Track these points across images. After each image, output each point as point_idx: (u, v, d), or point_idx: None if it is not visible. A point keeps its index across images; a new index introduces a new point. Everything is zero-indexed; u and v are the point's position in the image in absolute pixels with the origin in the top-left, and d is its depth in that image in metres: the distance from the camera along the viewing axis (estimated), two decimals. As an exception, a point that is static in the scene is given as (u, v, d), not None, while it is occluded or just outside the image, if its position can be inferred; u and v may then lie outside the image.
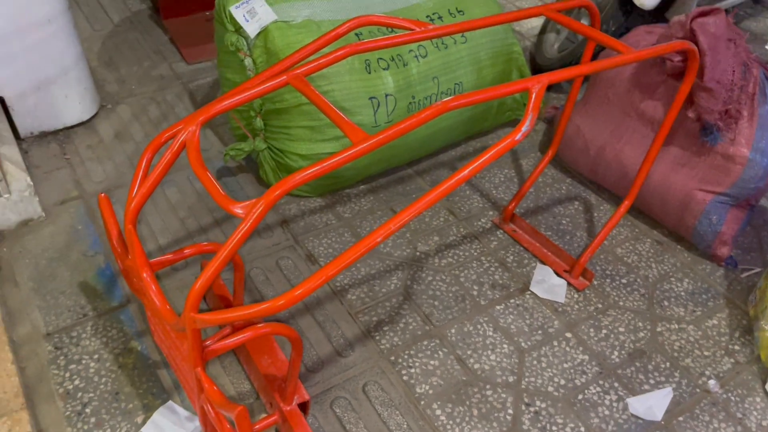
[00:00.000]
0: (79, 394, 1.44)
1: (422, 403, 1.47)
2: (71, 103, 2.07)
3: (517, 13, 1.50)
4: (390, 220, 1.03)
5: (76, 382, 1.46)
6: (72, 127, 2.13)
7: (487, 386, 1.51)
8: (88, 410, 1.41)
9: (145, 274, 1.20)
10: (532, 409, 1.47)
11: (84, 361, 1.50)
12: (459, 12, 2.02)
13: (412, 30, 1.35)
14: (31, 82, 1.94)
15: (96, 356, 1.52)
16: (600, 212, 1.99)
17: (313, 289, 0.99)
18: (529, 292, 1.74)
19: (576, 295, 1.74)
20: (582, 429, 1.44)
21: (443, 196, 1.06)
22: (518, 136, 1.08)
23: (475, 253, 1.84)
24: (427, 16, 1.97)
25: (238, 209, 1.04)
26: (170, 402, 1.43)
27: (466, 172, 1.07)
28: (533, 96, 1.14)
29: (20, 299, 1.63)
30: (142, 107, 2.27)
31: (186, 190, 1.95)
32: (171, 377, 1.48)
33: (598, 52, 2.13)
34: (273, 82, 1.20)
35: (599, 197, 2.04)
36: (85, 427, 1.38)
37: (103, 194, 1.33)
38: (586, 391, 1.52)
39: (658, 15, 2.35)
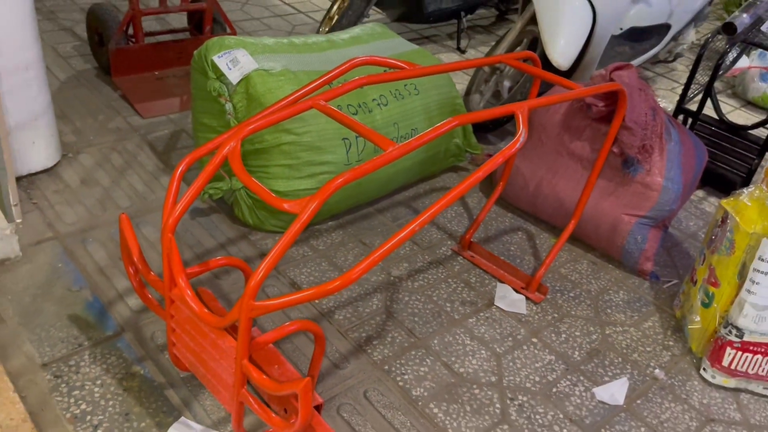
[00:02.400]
0: (88, 417, 1.44)
1: (420, 403, 1.60)
2: (37, 149, 2.09)
3: (478, 60, 1.77)
4: (418, 216, 1.20)
5: (83, 406, 1.46)
6: (36, 173, 2.13)
7: (474, 386, 1.67)
8: (100, 431, 1.42)
9: (181, 280, 1.28)
10: (516, 402, 1.65)
11: (87, 387, 1.51)
12: (415, 90, 2.26)
13: (404, 68, 1.57)
14: (5, 127, 1.96)
15: (99, 382, 1.52)
16: (541, 239, 2.26)
17: (365, 271, 1.14)
18: (494, 307, 1.94)
19: (535, 307, 1.96)
20: (561, 415, 1.63)
21: (449, 205, 1.25)
22: (516, 147, 1.31)
23: (442, 276, 2.03)
24: (381, 95, 2.17)
25: (288, 207, 1.18)
26: (183, 418, 1.47)
27: (464, 185, 1.27)
28: (520, 117, 1.38)
29: (9, 334, 1.61)
30: (104, 156, 2.31)
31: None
32: (179, 395, 1.52)
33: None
34: (300, 106, 1.36)
35: (538, 227, 2.32)
36: (100, 447, 1.39)
37: (123, 214, 1.40)
38: (558, 384, 1.72)
39: (566, 76, 2.75)
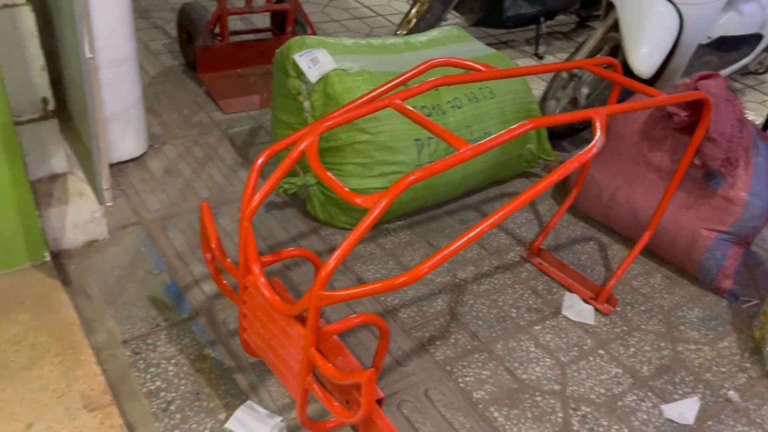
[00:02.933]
0: (162, 394, 1.52)
1: (480, 406, 1.60)
2: (127, 139, 2.21)
3: (556, 65, 1.76)
4: (489, 216, 1.21)
5: (158, 383, 1.54)
6: (125, 162, 2.26)
7: (536, 393, 1.66)
8: (172, 407, 1.49)
9: (255, 268, 1.33)
10: (579, 413, 1.62)
11: (162, 365, 1.59)
12: (490, 94, 2.26)
13: (482, 71, 1.58)
14: (102, 116, 2.08)
15: (173, 361, 1.60)
16: (612, 251, 2.21)
17: (433, 268, 1.15)
18: (561, 316, 1.91)
19: (603, 319, 1.92)
20: (626, 430, 1.59)
21: (521, 207, 1.25)
22: (592, 152, 1.29)
23: (509, 282, 2.01)
24: (455, 97, 2.19)
25: (361, 201, 1.21)
26: (249, 401, 1.52)
27: (538, 188, 1.26)
28: (597, 122, 1.36)
29: (94, 310, 1.71)
30: (187, 148, 2.42)
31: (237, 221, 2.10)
32: (247, 380, 1.58)
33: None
34: (376, 105, 1.39)
35: (610, 238, 2.27)
36: (172, 422, 1.46)
37: (204, 202, 1.47)
38: (624, 398, 1.68)
39: (648, 85, 2.67)
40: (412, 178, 1.21)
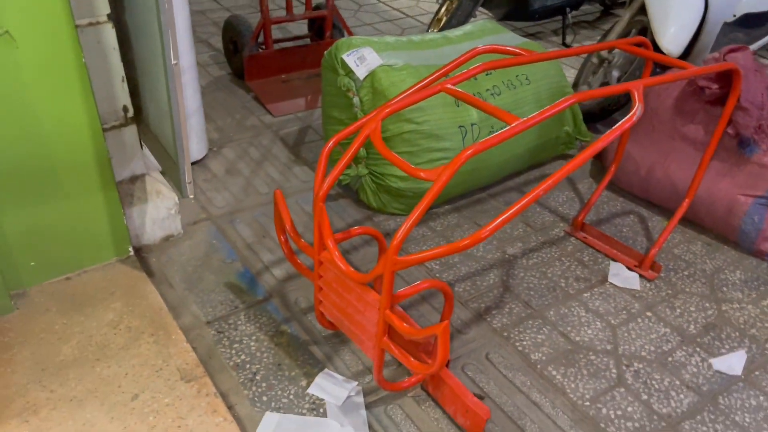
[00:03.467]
0: (248, 366, 1.67)
1: (539, 366, 1.72)
2: (191, 143, 2.39)
3: (590, 46, 1.87)
4: (544, 181, 1.33)
5: (243, 357, 1.70)
6: (191, 164, 2.43)
7: (590, 353, 1.77)
8: (258, 377, 1.64)
9: (330, 243, 1.48)
10: (632, 369, 1.73)
11: (245, 341, 1.74)
12: (526, 80, 2.39)
13: (523, 55, 1.71)
14: (184, 112, 2.25)
15: (254, 337, 1.76)
16: (653, 222, 2.31)
17: (494, 231, 1.28)
18: (608, 283, 2.02)
19: (648, 284, 2.02)
20: (677, 382, 1.70)
21: (572, 171, 1.37)
22: (633, 120, 1.41)
23: (556, 255, 2.13)
24: (494, 85, 2.32)
25: (425, 175, 1.34)
26: (327, 369, 1.67)
27: (585, 155, 1.38)
28: (635, 93, 1.48)
29: (177, 297, 1.88)
30: (244, 150, 2.59)
31: (298, 211, 2.25)
32: (322, 351, 1.72)
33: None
34: (430, 90, 1.53)
35: (650, 211, 2.37)
36: (259, 390, 1.61)
37: (278, 190, 1.62)
38: (673, 354, 1.78)
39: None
40: (470, 152, 1.34)
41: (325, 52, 2.26)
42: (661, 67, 2.60)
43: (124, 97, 1.84)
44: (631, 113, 1.43)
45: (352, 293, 1.48)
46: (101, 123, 1.72)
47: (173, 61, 1.62)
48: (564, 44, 3.82)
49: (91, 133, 1.69)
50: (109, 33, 1.73)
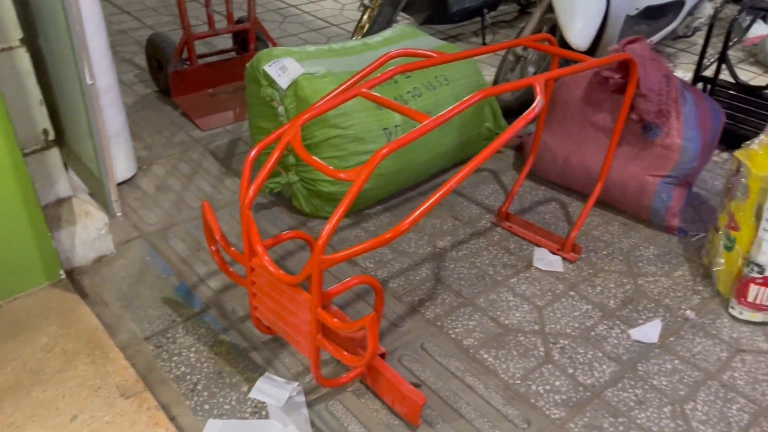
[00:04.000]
0: (188, 377, 1.70)
1: (471, 351, 1.81)
2: (119, 162, 2.38)
3: (499, 45, 1.98)
4: (456, 175, 1.42)
5: (182, 368, 1.72)
6: (119, 184, 2.43)
7: (519, 334, 1.87)
8: (199, 387, 1.67)
9: (259, 248, 1.52)
10: (558, 345, 1.84)
11: (184, 354, 1.76)
12: (445, 81, 2.49)
13: (433, 56, 1.79)
14: (105, 132, 2.24)
15: (193, 349, 1.78)
16: (573, 207, 2.44)
17: (413, 223, 1.35)
18: (533, 268, 2.13)
19: (571, 266, 2.14)
20: (600, 354, 1.81)
21: (473, 170, 1.46)
22: (535, 112, 1.51)
23: (483, 245, 2.23)
24: (415, 87, 2.41)
25: (344, 176, 1.41)
26: (267, 373, 1.71)
27: (492, 147, 1.48)
28: (537, 87, 1.59)
29: (113, 315, 1.88)
30: (174, 166, 2.60)
31: (231, 222, 2.28)
32: (262, 356, 1.76)
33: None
34: (345, 96, 1.60)
35: (570, 197, 2.50)
36: (201, 399, 1.64)
37: (205, 201, 1.65)
38: (595, 329, 1.90)
39: (589, 55, 2.92)
40: (385, 151, 1.41)
41: (247, 65, 2.30)
42: (571, 62, 2.75)
43: (43, 121, 1.83)
44: (533, 106, 1.53)
45: (284, 296, 1.53)
46: (21, 148, 1.72)
47: (89, 82, 1.63)
48: (484, 44, 3.96)
49: (11, 159, 1.68)
50: (23, 57, 1.72)
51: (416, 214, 1.36)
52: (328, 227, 1.35)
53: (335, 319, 1.42)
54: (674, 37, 3.79)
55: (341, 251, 1.36)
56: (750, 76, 3.55)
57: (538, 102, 1.54)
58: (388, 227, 2.30)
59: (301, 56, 2.28)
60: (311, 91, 2.18)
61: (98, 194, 1.99)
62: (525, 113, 1.51)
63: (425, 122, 1.46)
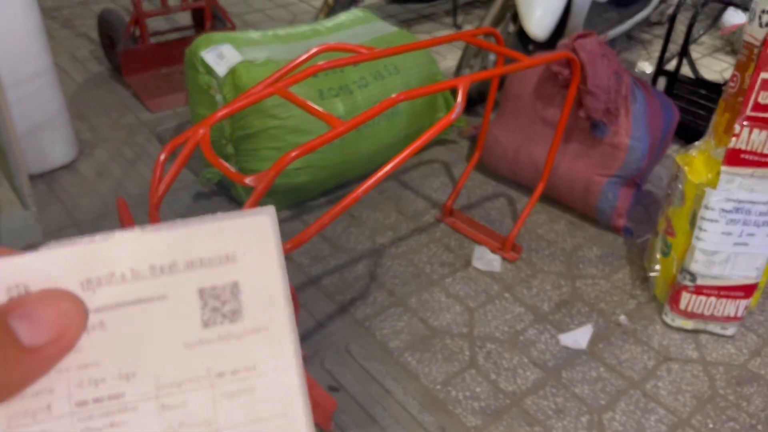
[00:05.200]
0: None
1: (395, 354, 1.78)
2: (56, 148, 2.33)
3: (439, 39, 1.91)
4: (379, 170, 1.37)
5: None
6: (57, 169, 2.38)
7: (447, 337, 1.84)
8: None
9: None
10: (484, 350, 1.81)
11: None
12: (395, 70, 2.42)
13: (361, 53, 1.73)
14: (23, 129, 2.20)
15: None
16: (521, 203, 2.40)
17: (329, 221, 1.31)
18: (471, 267, 2.10)
19: (509, 266, 2.11)
20: (525, 360, 1.79)
21: (397, 167, 1.42)
22: (453, 116, 1.46)
23: (424, 242, 2.19)
24: (361, 77, 2.34)
25: (249, 181, 1.36)
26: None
27: (410, 149, 1.44)
28: (461, 90, 1.53)
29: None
30: (117, 150, 2.54)
31: (168, 213, 2.24)
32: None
33: (502, 78, 2.59)
34: (262, 93, 1.54)
35: (519, 192, 2.46)
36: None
37: (120, 197, 1.61)
38: (525, 333, 1.87)
39: (551, 46, 2.85)
40: (293, 154, 1.37)
41: (186, 50, 2.23)
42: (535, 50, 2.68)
43: (-40, 109, 1.77)
44: (452, 110, 1.48)
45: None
46: (-67, 137, 1.66)
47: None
48: (456, 25, 3.88)
49: None
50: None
51: (332, 213, 1.33)
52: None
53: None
54: (649, 24, 3.71)
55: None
56: (724, 66, 3.48)
57: (457, 106, 1.49)
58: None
59: (242, 42, 2.21)
60: (249, 79, 2.12)
61: (13, 188, 1.94)
62: (441, 120, 1.45)
63: (337, 127, 1.41)
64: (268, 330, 0.27)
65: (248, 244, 0.27)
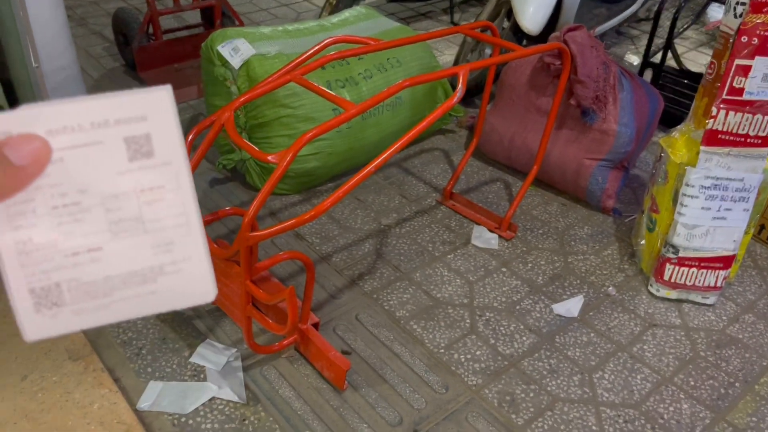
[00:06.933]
0: (134, 342, 1.82)
1: (402, 322, 1.93)
2: (79, 137, 2.47)
3: (440, 31, 2.07)
4: (381, 154, 1.52)
5: (129, 334, 1.84)
6: (79, 157, 2.52)
7: (449, 307, 2.00)
8: (144, 351, 1.79)
9: (196, 225, 1.63)
10: (483, 318, 1.96)
11: (131, 320, 1.88)
12: (397, 63, 2.57)
13: (369, 45, 1.88)
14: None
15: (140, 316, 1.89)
16: (516, 187, 2.56)
17: (333, 203, 1.46)
18: (470, 245, 2.25)
19: (506, 244, 2.27)
20: (521, 326, 1.94)
21: (403, 147, 1.56)
22: (455, 99, 1.61)
23: (426, 222, 2.34)
24: (366, 69, 2.49)
25: (272, 158, 1.51)
26: (208, 340, 1.83)
27: (415, 130, 1.58)
28: (461, 76, 1.68)
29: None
30: (135, 140, 2.68)
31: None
32: (205, 324, 1.88)
33: (498, 69, 2.74)
34: (279, 81, 1.69)
35: (514, 177, 2.61)
36: (144, 362, 1.76)
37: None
38: (521, 303, 2.03)
39: (544, 40, 3.01)
40: (309, 135, 1.51)
41: (202, 45, 2.38)
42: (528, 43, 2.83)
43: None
44: (453, 94, 1.63)
45: (218, 269, 1.64)
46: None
47: (34, 65, 1.72)
48: (452, 23, 4.03)
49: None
50: (-24, 37, 1.80)
51: (335, 195, 1.47)
52: (254, 206, 1.46)
53: (262, 291, 1.53)
54: (637, 20, 3.87)
55: (265, 229, 1.47)
56: (708, 59, 3.63)
57: (458, 91, 1.64)
58: (338, 204, 2.39)
59: (254, 37, 2.36)
60: (262, 71, 2.26)
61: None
62: (443, 104, 1.60)
63: (350, 109, 1.56)
64: (171, 164, 0.43)
65: (155, 109, 0.42)
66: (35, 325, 0.41)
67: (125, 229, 0.41)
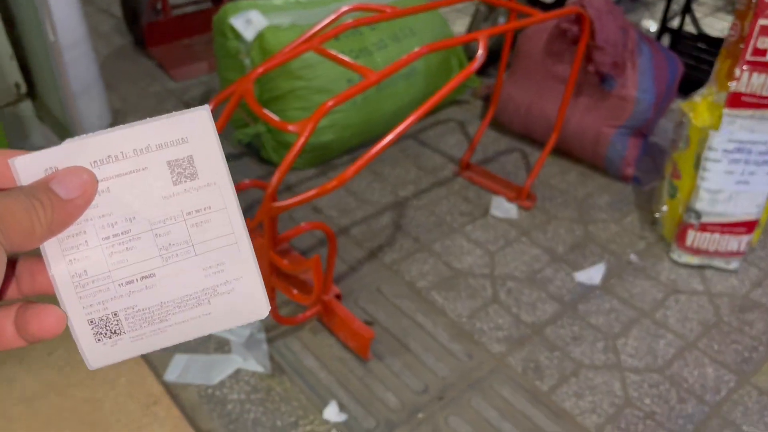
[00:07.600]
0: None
1: (423, 293, 1.93)
2: (91, 114, 2.46)
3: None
4: (400, 124, 1.50)
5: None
6: (94, 135, 2.51)
7: (470, 277, 1.99)
8: (167, 325, 1.79)
9: (217, 197, 1.62)
10: (505, 287, 1.96)
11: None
12: (411, 32, 2.54)
13: (386, 12, 1.85)
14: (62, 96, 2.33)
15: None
16: (533, 157, 2.53)
17: (355, 172, 1.45)
18: (489, 215, 2.24)
19: (525, 214, 2.25)
20: (544, 295, 1.94)
21: (420, 117, 1.54)
22: (475, 66, 1.59)
23: (444, 194, 2.33)
24: (380, 39, 2.46)
25: (292, 128, 1.49)
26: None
27: (436, 97, 1.56)
28: (482, 41, 1.65)
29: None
30: (148, 117, 2.67)
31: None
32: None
33: (515, 37, 2.70)
34: (298, 50, 1.67)
35: (532, 147, 2.59)
36: (168, 336, 1.77)
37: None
38: (542, 272, 2.02)
39: (559, 6, 2.96)
40: (330, 103, 1.50)
41: (214, 18, 2.35)
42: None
43: (15, 74, 1.90)
44: (475, 59, 1.60)
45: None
46: (-7, 101, 1.80)
47: (51, 39, 1.70)
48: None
49: (-17, 112, 1.77)
50: (-9, 13, 1.79)
51: (357, 165, 1.45)
52: (276, 176, 1.45)
53: (286, 261, 1.53)
54: (651, -15, 3.80)
55: (287, 199, 1.46)
56: (725, 24, 3.57)
57: (480, 56, 1.61)
58: (354, 177, 2.38)
59: (267, 8, 2.33)
60: (276, 43, 2.24)
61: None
62: (466, 68, 1.58)
63: (369, 76, 1.54)
64: (216, 183, 0.42)
65: (196, 130, 0.41)
66: (97, 354, 0.41)
67: (176, 253, 0.41)
